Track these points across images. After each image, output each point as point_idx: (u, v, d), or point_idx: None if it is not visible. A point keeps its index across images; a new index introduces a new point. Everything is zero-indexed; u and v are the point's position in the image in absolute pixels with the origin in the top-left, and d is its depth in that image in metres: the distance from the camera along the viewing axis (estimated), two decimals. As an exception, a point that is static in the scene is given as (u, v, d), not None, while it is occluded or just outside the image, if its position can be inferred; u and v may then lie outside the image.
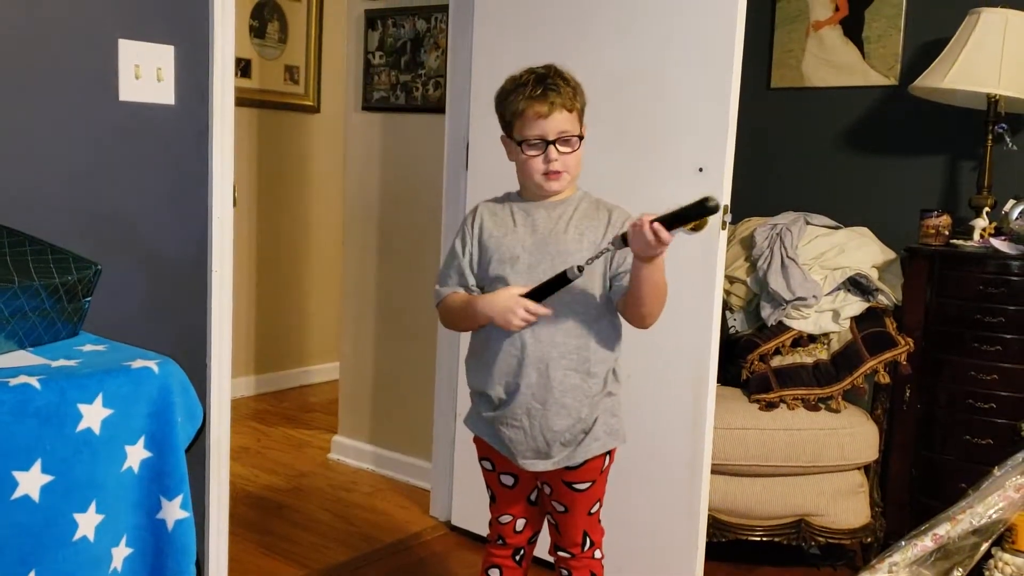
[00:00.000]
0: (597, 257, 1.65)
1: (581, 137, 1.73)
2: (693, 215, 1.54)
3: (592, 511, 1.84)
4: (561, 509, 1.83)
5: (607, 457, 1.81)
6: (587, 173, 1.81)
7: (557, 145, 1.69)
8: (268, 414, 4.14)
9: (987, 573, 2.44)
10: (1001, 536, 2.43)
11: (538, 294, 1.65)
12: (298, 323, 4.61)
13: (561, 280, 1.64)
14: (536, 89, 1.68)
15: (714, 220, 2.28)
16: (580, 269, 1.62)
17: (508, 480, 1.86)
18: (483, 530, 1.98)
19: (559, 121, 1.69)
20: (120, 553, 1.41)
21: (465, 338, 1.91)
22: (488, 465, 1.88)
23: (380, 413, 3.41)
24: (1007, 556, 2.42)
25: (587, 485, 1.80)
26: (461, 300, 1.75)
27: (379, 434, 3.42)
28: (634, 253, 1.59)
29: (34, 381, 1.26)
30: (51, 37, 1.80)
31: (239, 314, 4.17)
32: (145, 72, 1.92)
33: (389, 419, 3.38)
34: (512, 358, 1.71)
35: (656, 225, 1.52)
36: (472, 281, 1.78)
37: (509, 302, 1.64)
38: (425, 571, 2.64)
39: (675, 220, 1.54)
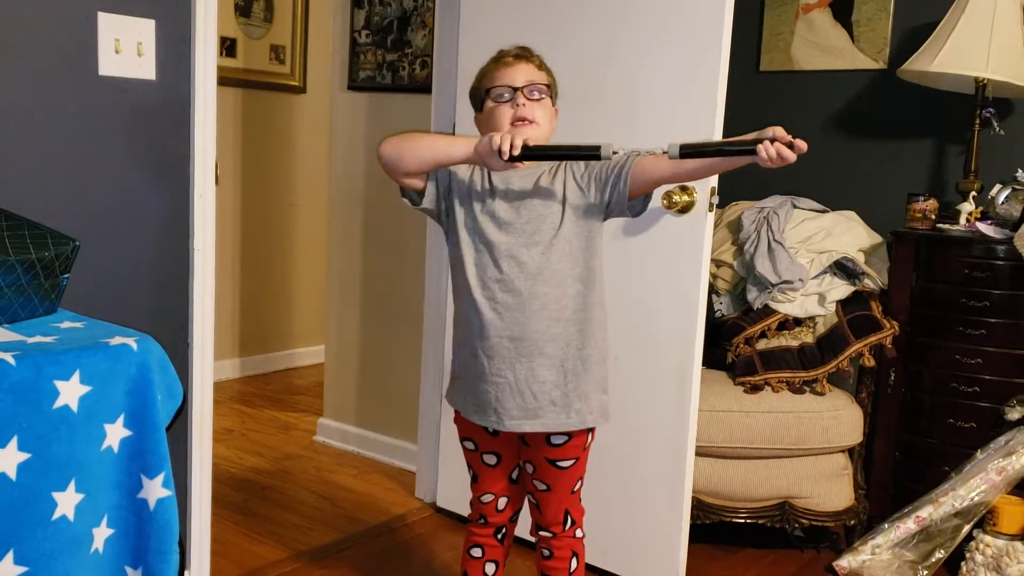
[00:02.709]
0: (636, 153, 1.61)
1: (552, 96, 1.73)
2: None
3: (574, 489, 1.83)
4: (543, 488, 1.83)
5: (590, 434, 1.80)
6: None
7: (524, 92, 1.70)
8: (253, 396, 4.12)
9: (969, 555, 2.46)
10: (983, 518, 2.45)
11: (540, 149, 1.60)
12: (283, 305, 4.59)
13: (585, 151, 1.57)
14: (501, 52, 1.74)
15: (701, 203, 2.27)
16: (615, 153, 1.56)
17: (491, 459, 1.86)
18: (468, 512, 1.97)
19: (526, 71, 1.71)
20: (101, 533, 1.40)
21: (452, 320, 1.89)
22: (470, 445, 1.87)
23: (366, 395, 3.40)
24: (988, 538, 2.44)
25: (571, 463, 1.79)
26: (434, 134, 1.71)
27: (365, 416, 3.41)
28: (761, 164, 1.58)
29: (8, 357, 1.24)
30: (28, 9, 1.77)
31: (224, 296, 4.17)
32: (125, 46, 1.89)
33: (375, 401, 3.37)
34: (492, 312, 1.70)
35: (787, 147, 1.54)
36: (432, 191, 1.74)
37: (503, 135, 1.56)
38: (410, 553, 2.64)
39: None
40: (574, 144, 1.61)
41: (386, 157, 1.69)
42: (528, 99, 1.70)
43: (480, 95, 1.76)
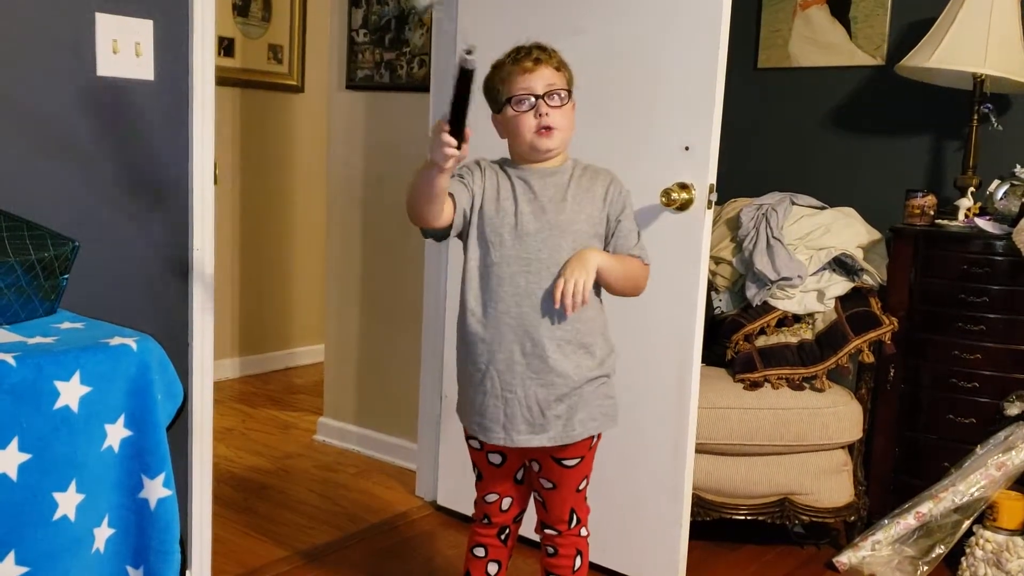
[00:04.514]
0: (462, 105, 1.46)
1: (570, 93, 1.73)
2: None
3: (580, 488, 1.84)
4: (549, 486, 1.83)
5: (596, 435, 1.81)
6: (573, 151, 1.80)
7: (546, 99, 1.68)
8: (253, 396, 4.12)
9: (969, 550, 2.47)
10: (983, 514, 2.45)
11: (453, 116, 1.49)
12: (283, 304, 4.59)
13: (463, 81, 1.45)
14: (519, 54, 1.71)
15: (699, 200, 2.27)
16: (469, 52, 1.41)
17: (496, 459, 1.85)
18: (469, 510, 1.98)
19: (546, 75, 1.69)
20: (102, 533, 1.40)
21: (452, 319, 1.89)
22: (476, 444, 1.86)
23: (366, 394, 3.40)
24: (988, 533, 2.44)
25: (576, 461, 1.80)
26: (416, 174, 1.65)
27: (365, 415, 3.41)
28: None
29: (9, 358, 1.24)
30: (26, 10, 1.76)
31: (223, 296, 4.17)
32: (123, 47, 1.89)
33: (375, 400, 3.37)
34: (504, 326, 1.70)
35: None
36: (468, 195, 1.72)
37: (432, 138, 1.51)
38: (411, 551, 2.64)
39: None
40: (456, 96, 1.47)
41: (410, 217, 1.71)
42: (549, 106, 1.69)
43: (499, 98, 1.73)
